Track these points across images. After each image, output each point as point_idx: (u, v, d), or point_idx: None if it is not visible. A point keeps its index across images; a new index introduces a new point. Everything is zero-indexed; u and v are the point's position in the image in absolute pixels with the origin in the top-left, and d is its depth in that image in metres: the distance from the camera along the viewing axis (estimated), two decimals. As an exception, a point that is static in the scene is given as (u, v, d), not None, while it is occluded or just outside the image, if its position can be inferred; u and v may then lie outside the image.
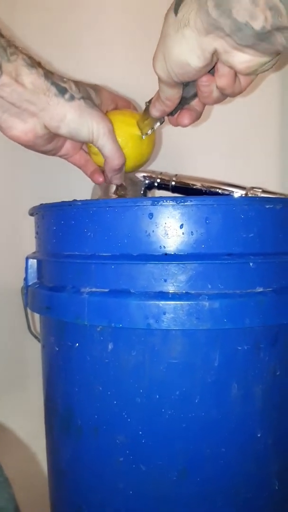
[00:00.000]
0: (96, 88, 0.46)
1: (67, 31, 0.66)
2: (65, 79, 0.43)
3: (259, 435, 0.41)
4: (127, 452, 0.40)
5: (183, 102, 0.43)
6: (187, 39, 0.34)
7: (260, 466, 0.42)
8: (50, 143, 0.45)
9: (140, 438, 0.40)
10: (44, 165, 0.69)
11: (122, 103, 0.50)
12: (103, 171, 0.49)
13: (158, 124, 0.46)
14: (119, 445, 0.41)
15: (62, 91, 0.42)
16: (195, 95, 0.42)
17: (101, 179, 0.50)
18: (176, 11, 0.35)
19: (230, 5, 0.31)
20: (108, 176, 0.48)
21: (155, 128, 0.47)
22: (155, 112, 0.44)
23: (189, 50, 0.35)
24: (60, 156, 0.49)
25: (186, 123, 0.44)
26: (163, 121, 0.46)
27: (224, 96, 0.41)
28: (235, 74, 0.38)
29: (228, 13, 0.31)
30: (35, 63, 0.41)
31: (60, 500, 0.49)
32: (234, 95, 0.40)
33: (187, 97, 0.43)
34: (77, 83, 0.44)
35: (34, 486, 0.69)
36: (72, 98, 0.42)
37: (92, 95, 0.45)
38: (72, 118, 0.42)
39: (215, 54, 0.35)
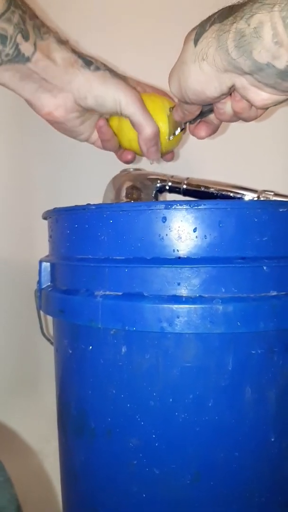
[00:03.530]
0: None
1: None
2: (90, 56, 0.45)
3: (272, 439, 0.40)
4: (141, 455, 0.40)
5: (200, 115, 0.44)
6: (205, 72, 0.35)
7: (274, 470, 0.41)
8: (82, 123, 0.47)
9: (154, 441, 0.40)
10: (57, 169, 0.70)
11: (149, 89, 0.50)
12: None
13: (183, 126, 0.47)
14: (132, 448, 0.41)
15: (88, 63, 0.44)
16: (211, 110, 0.43)
17: (129, 156, 0.51)
18: (195, 42, 0.35)
19: (251, 46, 0.30)
20: (144, 150, 0.48)
21: (180, 130, 0.48)
22: (176, 116, 0.46)
23: (206, 82, 0.36)
24: (94, 143, 0.51)
25: (203, 135, 0.46)
26: (193, 122, 0.47)
27: (239, 118, 0.41)
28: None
29: (248, 54, 0.31)
30: (63, 40, 0.44)
31: (73, 503, 0.49)
32: (249, 119, 0.41)
33: (203, 111, 0.44)
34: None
35: (38, 487, 0.69)
36: (97, 69, 0.44)
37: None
38: (97, 86, 0.44)
39: (232, 87, 0.36)
